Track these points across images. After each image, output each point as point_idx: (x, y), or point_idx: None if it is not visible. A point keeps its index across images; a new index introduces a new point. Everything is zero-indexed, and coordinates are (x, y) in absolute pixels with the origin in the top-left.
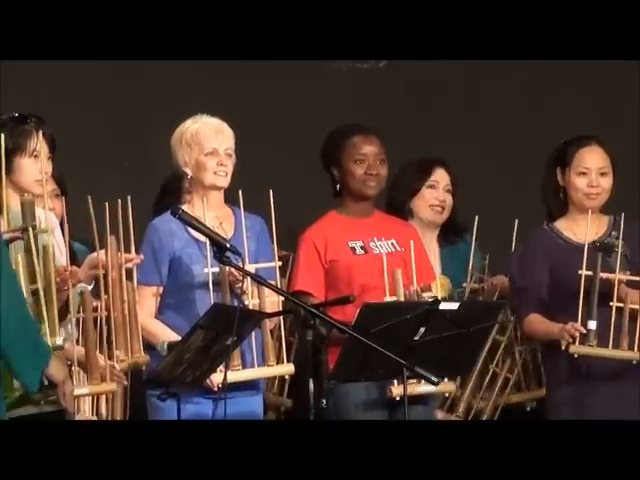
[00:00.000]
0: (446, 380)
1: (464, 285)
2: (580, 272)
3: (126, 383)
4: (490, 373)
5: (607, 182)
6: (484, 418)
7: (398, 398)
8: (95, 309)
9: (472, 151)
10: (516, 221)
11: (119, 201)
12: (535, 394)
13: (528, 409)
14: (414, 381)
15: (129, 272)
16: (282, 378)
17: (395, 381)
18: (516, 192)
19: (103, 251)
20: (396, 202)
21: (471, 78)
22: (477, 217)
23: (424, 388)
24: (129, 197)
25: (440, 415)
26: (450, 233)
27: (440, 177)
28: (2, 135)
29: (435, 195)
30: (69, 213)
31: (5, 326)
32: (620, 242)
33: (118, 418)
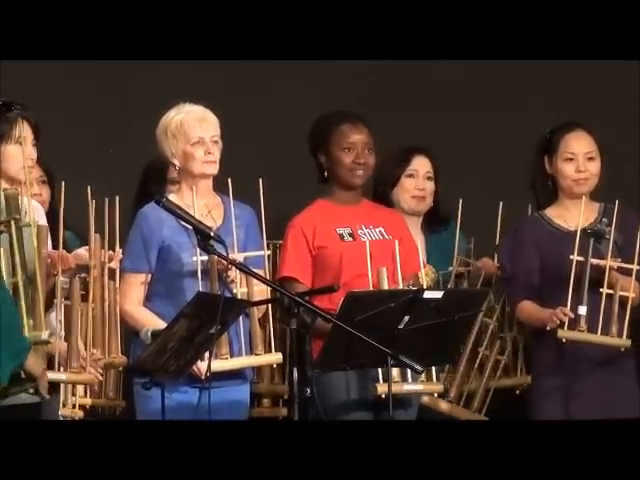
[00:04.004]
0: (434, 380)
1: (450, 269)
2: (571, 257)
3: (101, 379)
4: (480, 357)
5: (595, 167)
6: (476, 402)
7: (383, 396)
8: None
9: (457, 136)
10: (500, 204)
11: (106, 200)
12: (526, 379)
13: (518, 392)
14: (398, 380)
15: (112, 272)
16: (278, 365)
17: (380, 379)
18: (499, 176)
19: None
20: (378, 193)
21: (460, 68)
22: (461, 200)
23: (409, 387)
24: (117, 197)
25: (427, 400)
26: (434, 222)
27: (419, 165)
28: None
29: (415, 184)
30: (57, 200)
31: None
32: (612, 229)
33: (111, 395)
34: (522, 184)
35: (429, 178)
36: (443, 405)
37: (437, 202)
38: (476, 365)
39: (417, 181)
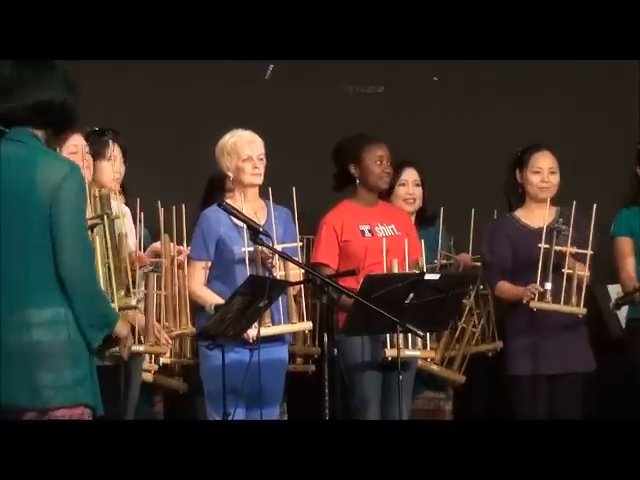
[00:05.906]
0: (429, 348)
1: (435, 262)
2: (540, 245)
3: (171, 347)
4: (459, 329)
5: (555, 179)
6: (455, 365)
7: (390, 358)
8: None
9: (445, 153)
10: (472, 210)
11: (174, 208)
12: (495, 345)
13: (490, 355)
14: (402, 346)
15: (181, 264)
16: (310, 331)
17: (388, 344)
18: (476, 188)
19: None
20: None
21: (460, 69)
22: (442, 208)
23: (409, 352)
24: (183, 205)
25: (421, 363)
26: (422, 220)
27: (408, 175)
28: (89, 152)
29: (406, 190)
30: (129, 204)
31: (78, 289)
32: (571, 226)
33: (188, 356)
34: (490, 195)
35: (417, 185)
36: (434, 367)
37: (425, 204)
38: (456, 335)
39: (407, 188)
